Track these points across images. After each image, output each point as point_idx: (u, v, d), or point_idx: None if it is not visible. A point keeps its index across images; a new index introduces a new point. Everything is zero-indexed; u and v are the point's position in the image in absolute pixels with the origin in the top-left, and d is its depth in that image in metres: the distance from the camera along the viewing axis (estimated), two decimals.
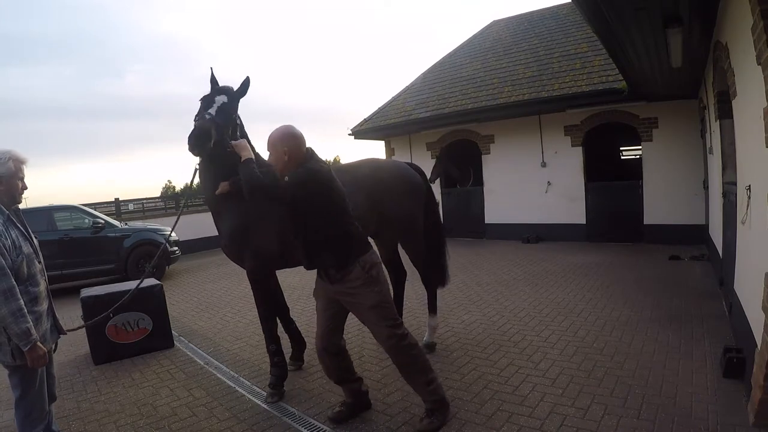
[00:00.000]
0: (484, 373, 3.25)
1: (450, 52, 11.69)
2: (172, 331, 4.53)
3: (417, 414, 2.69)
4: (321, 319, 2.66)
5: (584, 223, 8.36)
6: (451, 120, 9.36)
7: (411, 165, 3.84)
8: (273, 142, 2.49)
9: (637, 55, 4.49)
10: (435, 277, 3.84)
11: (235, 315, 5.33)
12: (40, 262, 2.25)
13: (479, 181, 9.74)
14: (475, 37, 11.84)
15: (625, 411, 2.59)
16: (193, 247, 10.98)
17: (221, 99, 2.90)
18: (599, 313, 4.34)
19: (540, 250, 7.92)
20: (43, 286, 2.22)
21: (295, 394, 3.17)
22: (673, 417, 2.48)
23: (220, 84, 3.03)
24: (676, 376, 2.95)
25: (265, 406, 3.02)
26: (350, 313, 2.63)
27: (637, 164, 8.69)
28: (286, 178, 2.44)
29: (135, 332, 4.20)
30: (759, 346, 2.38)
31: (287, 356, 3.62)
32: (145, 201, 15.93)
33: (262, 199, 2.66)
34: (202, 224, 10.70)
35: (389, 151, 11.30)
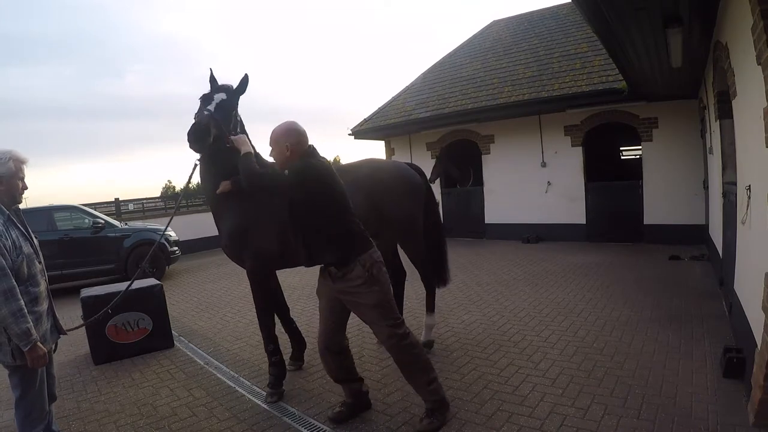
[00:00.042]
0: (484, 373, 3.25)
1: (450, 52, 11.69)
2: (172, 331, 4.53)
3: (417, 414, 2.69)
4: (323, 317, 2.66)
5: (584, 223, 8.36)
6: (451, 120, 9.36)
7: (411, 165, 3.84)
8: (276, 138, 2.51)
9: (637, 55, 4.49)
10: (436, 276, 3.85)
11: (235, 315, 5.33)
12: (40, 263, 2.25)
13: (479, 181, 9.74)
14: (475, 37, 11.84)
15: (625, 411, 2.59)
16: (193, 247, 10.98)
17: (220, 96, 2.94)
18: (599, 313, 4.34)
19: (540, 250, 7.92)
20: (43, 286, 2.22)
21: (295, 394, 3.17)
22: (673, 417, 2.48)
23: (220, 84, 3.05)
24: (676, 376, 2.95)
25: (265, 406, 3.02)
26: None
27: (637, 164, 8.69)
28: (286, 172, 2.46)
29: (135, 332, 4.20)
30: (759, 346, 2.38)
31: (287, 356, 3.63)
32: (145, 201, 15.93)
33: (261, 189, 2.67)
34: (202, 224, 10.73)
35: (389, 151, 11.30)
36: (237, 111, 3.06)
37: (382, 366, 3.48)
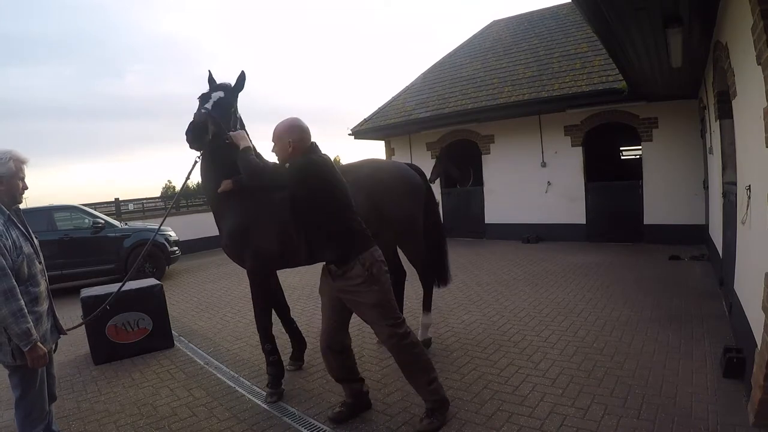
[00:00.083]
0: (484, 373, 3.25)
1: (450, 52, 11.69)
2: (172, 331, 4.53)
3: (417, 414, 2.69)
4: (325, 316, 2.66)
5: (584, 223, 8.36)
6: (451, 120, 9.36)
7: (411, 166, 3.84)
8: (279, 134, 2.52)
9: (637, 55, 4.49)
10: (436, 276, 3.85)
11: (235, 315, 5.33)
12: (40, 263, 2.25)
13: (479, 181, 9.74)
14: (475, 37, 11.84)
15: (625, 411, 2.59)
16: (193, 247, 10.98)
17: (218, 94, 2.96)
18: (599, 313, 4.34)
19: (540, 250, 7.92)
20: (43, 286, 2.23)
21: (295, 394, 3.17)
22: (673, 417, 2.48)
23: (218, 83, 3.08)
24: (676, 376, 2.95)
25: (265, 406, 3.02)
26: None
27: (637, 164, 8.69)
28: (287, 165, 2.47)
29: (135, 332, 4.20)
30: (759, 346, 2.38)
31: (287, 356, 3.63)
32: (145, 201, 15.97)
33: (261, 183, 2.67)
34: (202, 224, 10.75)
35: (389, 151, 11.30)
36: (237, 109, 3.07)
37: (382, 366, 3.48)
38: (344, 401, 2.81)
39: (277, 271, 3.49)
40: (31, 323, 2.03)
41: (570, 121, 8.35)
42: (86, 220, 7.77)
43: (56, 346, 2.41)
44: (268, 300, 3.29)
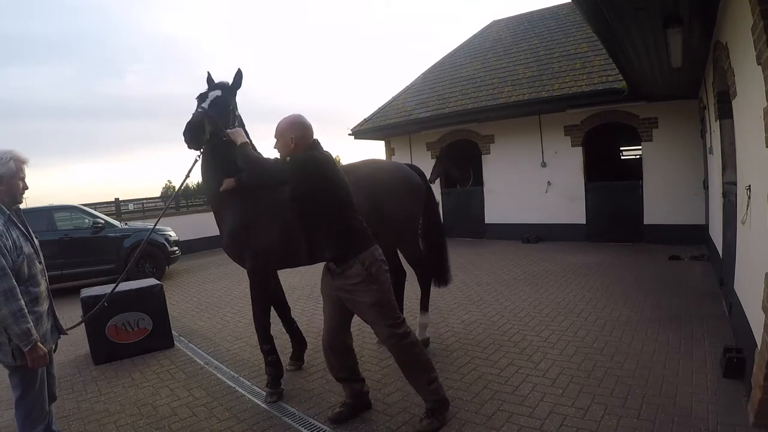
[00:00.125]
0: (484, 373, 3.25)
1: (450, 52, 11.69)
2: (172, 331, 4.53)
3: (417, 414, 2.69)
4: (327, 316, 2.66)
5: (584, 223, 8.36)
6: (451, 120, 9.36)
7: (411, 166, 3.85)
8: (281, 130, 2.52)
9: (637, 55, 4.49)
10: (436, 276, 3.85)
11: (235, 315, 5.33)
12: (40, 263, 2.25)
13: (479, 181, 9.74)
14: (475, 37, 11.84)
15: (625, 411, 2.59)
16: (193, 247, 10.98)
17: (215, 94, 2.97)
18: (599, 313, 4.34)
19: (540, 250, 7.92)
20: (43, 286, 2.22)
21: (295, 394, 3.17)
22: (673, 417, 2.48)
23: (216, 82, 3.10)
24: (676, 376, 2.95)
25: (265, 406, 3.02)
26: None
27: (637, 164, 8.69)
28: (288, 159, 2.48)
29: (135, 332, 4.20)
30: (759, 346, 2.38)
31: (288, 356, 3.63)
32: (145, 201, 15.98)
33: (262, 177, 2.67)
34: (202, 224, 10.75)
35: (389, 151, 11.30)
36: (235, 107, 3.07)
37: (382, 366, 3.48)
38: (344, 401, 2.80)
39: (278, 271, 3.49)
40: (32, 323, 2.03)
41: (570, 121, 8.35)
42: (86, 220, 7.77)
43: (56, 346, 2.41)
44: (268, 300, 3.29)
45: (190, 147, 2.82)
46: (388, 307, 2.50)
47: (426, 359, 2.59)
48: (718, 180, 4.78)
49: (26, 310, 2.02)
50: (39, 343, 2.06)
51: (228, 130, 2.83)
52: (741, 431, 2.30)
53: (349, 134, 11.14)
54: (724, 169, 4.39)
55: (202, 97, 2.97)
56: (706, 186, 6.70)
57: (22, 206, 2.32)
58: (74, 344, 4.46)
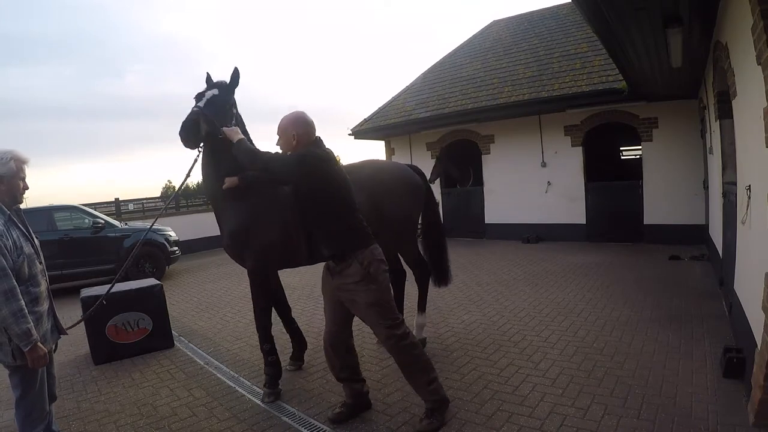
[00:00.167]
0: (484, 373, 3.25)
1: (450, 52, 11.69)
2: (172, 331, 4.53)
3: (417, 414, 2.69)
4: (328, 315, 2.66)
5: (584, 223, 8.36)
6: (451, 120, 9.36)
7: (411, 166, 3.85)
8: (284, 127, 2.52)
9: (637, 55, 4.49)
10: (436, 276, 3.85)
11: (235, 315, 5.33)
12: (41, 263, 2.25)
13: (479, 181, 9.74)
14: (475, 37, 11.84)
15: (625, 411, 2.59)
16: (193, 247, 10.98)
17: (211, 93, 2.98)
18: (599, 313, 4.34)
19: (540, 250, 7.92)
20: (44, 286, 2.22)
21: (295, 394, 3.17)
22: (673, 417, 2.48)
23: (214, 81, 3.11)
24: (676, 376, 2.95)
25: (264, 406, 3.02)
26: None
27: (637, 164, 8.69)
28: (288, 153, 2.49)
29: (135, 332, 4.20)
30: (759, 346, 2.38)
31: (288, 356, 3.63)
32: (145, 201, 15.97)
33: (262, 169, 2.67)
34: (202, 224, 10.76)
35: (389, 151, 11.30)
36: (234, 106, 3.07)
37: (382, 366, 3.48)
38: (344, 401, 2.80)
39: (278, 271, 3.49)
40: (32, 323, 2.03)
41: (570, 121, 8.35)
42: (86, 220, 7.77)
43: (56, 346, 2.41)
44: (269, 300, 3.29)
45: (186, 146, 2.82)
46: (387, 308, 2.50)
47: (425, 359, 2.59)
48: (718, 180, 4.78)
49: (26, 310, 2.02)
50: (39, 343, 2.06)
51: (224, 129, 2.82)
52: (741, 431, 2.30)
53: (349, 134, 11.15)
54: (724, 169, 4.39)
55: (199, 97, 2.98)
56: (706, 186, 6.70)
57: (22, 206, 2.32)
58: (74, 344, 4.46)
